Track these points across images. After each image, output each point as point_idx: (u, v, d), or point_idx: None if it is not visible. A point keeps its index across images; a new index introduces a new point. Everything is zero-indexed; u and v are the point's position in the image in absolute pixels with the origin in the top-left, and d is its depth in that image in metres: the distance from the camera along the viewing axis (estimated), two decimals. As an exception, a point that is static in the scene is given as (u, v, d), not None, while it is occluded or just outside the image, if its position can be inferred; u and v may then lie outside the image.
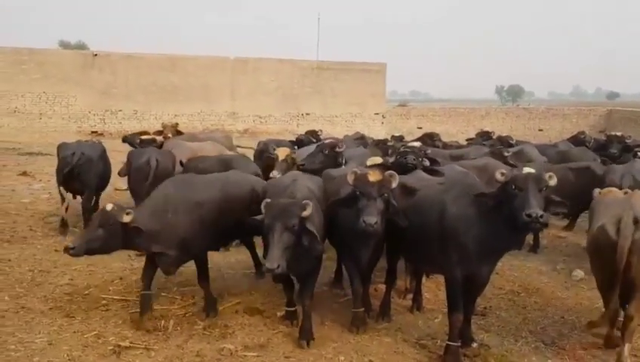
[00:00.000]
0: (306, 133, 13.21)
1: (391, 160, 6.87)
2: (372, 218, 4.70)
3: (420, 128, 26.39)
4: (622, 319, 4.95)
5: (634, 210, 4.74)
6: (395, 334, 5.56)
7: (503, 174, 4.66)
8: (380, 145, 10.41)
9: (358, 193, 4.95)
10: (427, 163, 6.77)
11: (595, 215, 5.36)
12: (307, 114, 26.34)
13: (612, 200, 5.33)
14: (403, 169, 6.29)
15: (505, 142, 11.50)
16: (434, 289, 6.91)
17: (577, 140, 11.88)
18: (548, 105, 43.03)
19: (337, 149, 8.03)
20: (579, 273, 7.40)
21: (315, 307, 6.13)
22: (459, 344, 4.93)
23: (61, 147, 9.27)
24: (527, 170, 4.64)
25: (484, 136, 12.61)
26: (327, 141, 8.48)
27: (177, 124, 14.00)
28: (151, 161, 8.70)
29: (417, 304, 6.26)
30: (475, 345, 5.20)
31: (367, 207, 4.83)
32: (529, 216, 4.26)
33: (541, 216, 4.27)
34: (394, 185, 5.06)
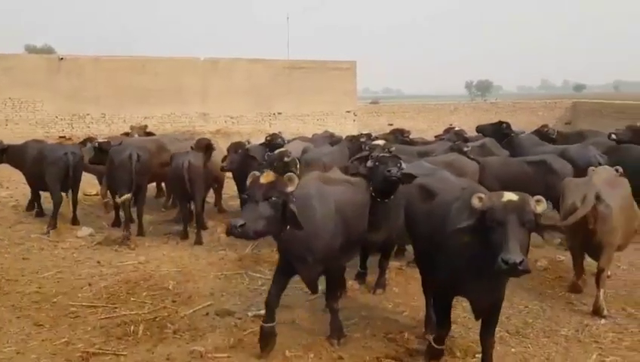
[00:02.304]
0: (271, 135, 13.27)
1: (368, 165, 6.50)
2: (238, 220, 4.31)
3: (391, 125, 26.56)
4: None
5: (595, 188, 5.93)
6: (364, 329, 5.65)
7: (480, 200, 3.96)
8: (354, 142, 10.45)
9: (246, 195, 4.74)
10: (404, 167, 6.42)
11: (566, 194, 6.45)
12: (279, 113, 26.29)
13: (579, 180, 6.56)
14: (381, 179, 6.17)
15: (461, 136, 11.75)
16: (403, 283, 7.04)
17: (541, 133, 12.13)
18: (516, 98, 43.75)
19: (285, 159, 8.01)
20: (543, 262, 7.58)
21: (285, 304, 6.22)
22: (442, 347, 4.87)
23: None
24: (507, 196, 3.87)
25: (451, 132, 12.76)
26: (275, 152, 8.49)
27: (146, 125, 13.99)
28: (132, 156, 8.96)
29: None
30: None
31: (243, 210, 4.71)
32: (506, 262, 3.60)
33: (521, 263, 3.58)
34: (289, 188, 4.59)
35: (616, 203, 5.99)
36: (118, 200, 9.11)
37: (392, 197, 6.28)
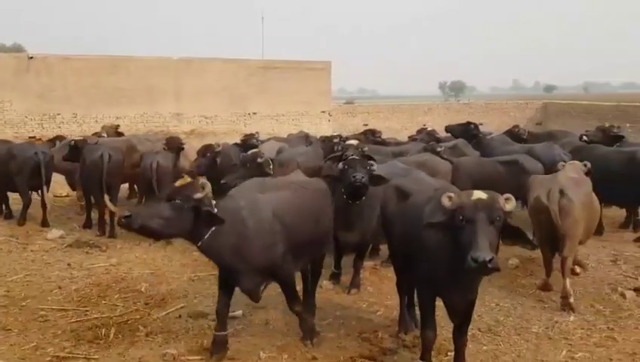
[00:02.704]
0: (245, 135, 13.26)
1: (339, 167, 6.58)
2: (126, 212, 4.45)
3: (366, 125, 26.68)
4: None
5: (559, 183, 6.39)
6: (338, 329, 5.67)
7: (450, 199, 3.97)
8: (327, 143, 10.47)
9: None
10: (375, 168, 6.49)
11: (532, 189, 6.84)
12: (254, 113, 26.18)
13: (544, 177, 7.03)
14: (347, 183, 6.25)
15: (432, 136, 11.90)
16: (377, 282, 7.08)
17: (512, 133, 12.33)
18: (488, 99, 44.35)
19: (259, 160, 7.90)
20: (514, 261, 7.71)
21: (261, 306, 6.20)
22: None
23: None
24: (477, 195, 3.90)
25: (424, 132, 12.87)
26: (248, 153, 8.34)
27: (118, 125, 13.84)
28: (104, 156, 8.89)
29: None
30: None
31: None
32: (475, 260, 3.59)
33: (490, 261, 3.58)
34: (198, 195, 4.51)
35: (579, 198, 6.41)
36: (112, 208, 8.93)
37: (364, 198, 6.34)
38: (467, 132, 11.79)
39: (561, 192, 6.30)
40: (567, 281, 6.26)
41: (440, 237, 4.07)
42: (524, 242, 4.12)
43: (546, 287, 6.72)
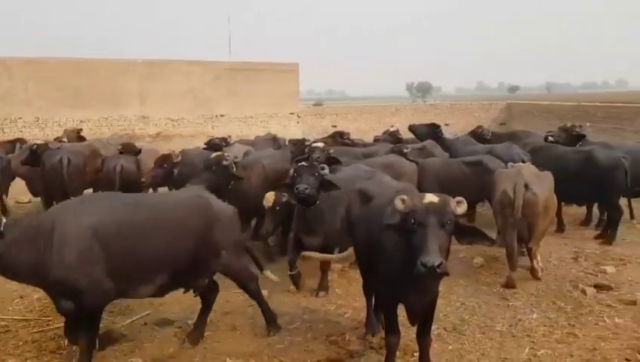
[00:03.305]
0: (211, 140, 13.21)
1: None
2: None
3: (335, 126, 26.78)
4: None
5: (524, 178, 6.77)
6: (306, 333, 5.67)
7: (403, 202, 3.97)
8: (298, 146, 10.42)
9: None
10: (325, 173, 6.52)
11: (497, 184, 7.11)
12: (222, 115, 26.00)
13: (508, 171, 7.25)
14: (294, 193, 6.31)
15: (395, 137, 12.04)
16: (345, 284, 7.10)
17: (476, 134, 12.54)
18: (454, 100, 45.00)
19: (224, 163, 7.85)
20: (479, 260, 7.84)
21: (228, 311, 6.17)
22: None
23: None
24: (429, 198, 3.90)
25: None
26: (212, 156, 8.22)
27: (81, 129, 13.58)
28: (63, 160, 8.71)
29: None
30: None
31: None
32: (424, 265, 3.61)
33: (439, 266, 3.60)
34: None
35: (543, 192, 6.86)
36: None
37: (321, 202, 6.42)
38: (430, 133, 11.94)
39: (526, 186, 6.69)
40: (535, 263, 7.07)
41: (396, 239, 4.09)
42: (482, 239, 4.17)
43: (510, 284, 6.86)
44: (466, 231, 4.09)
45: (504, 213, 6.85)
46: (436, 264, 3.58)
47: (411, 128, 12.59)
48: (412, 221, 3.83)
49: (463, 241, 4.14)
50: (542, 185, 6.96)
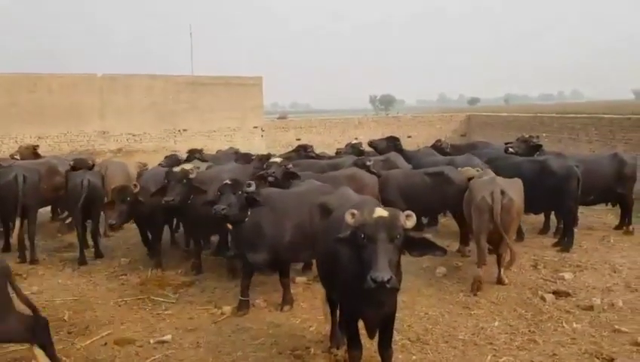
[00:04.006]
0: (189, 151, 13.23)
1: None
2: None
3: (299, 140, 26.81)
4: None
5: (499, 185, 7.25)
6: (271, 348, 5.62)
7: (352, 216, 3.99)
8: (263, 161, 10.30)
9: None
10: (252, 188, 6.48)
11: (475, 191, 7.52)
12: (184, 130, 25.73)
13: (484, 180, 7.74)
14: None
15: (357, 149, 12.20)
16: (310, 297, 7.08)
17: (436, 147, 12.79)
18: (416, 112, 45.68)
19: (190, 176, 7.85)
20: (442, 269, 7.94)
21: (192, 328, 6.08)
22: None
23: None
24: (378, 212, 3.91)
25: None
26: (176, 169, 8.21)
27: (37, 145, 13.23)
28: (18, 178, 8.49)
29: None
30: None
31: None
32: (374, 280, 3.59)
33: (389, 281, 3.58)
34: None
35: (517, 198, 7.36)
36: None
37: (250, 219, 6.40)
38: (390, 146, 12.16)
39: (502, 193, 7.16)
40: (502, 270, 7.42)
41: (350, 252, 4.07)
42: (433, 250, 4.16)
43: (478, 285, 7.16)
44: (416, 244, 4.09)
45: (482, 218, 7.21)
46: (385, 279, 3.57)
47: (371, 144, 12.77)
48: (362, 235, 3.83)
49: (414, 254, 4.12)
50: (515, 191, 7.43)
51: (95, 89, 23.92)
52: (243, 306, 6.63)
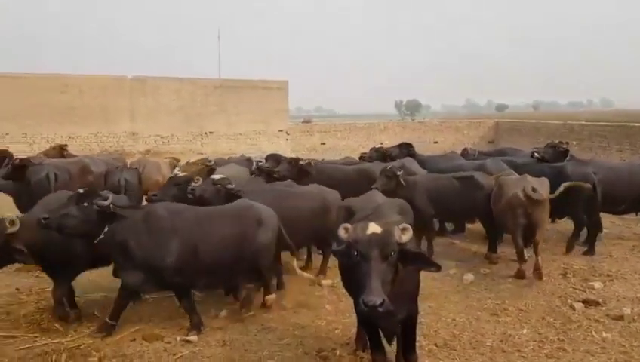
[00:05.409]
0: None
1: None
2: None
3: (324, 144, 26.96)
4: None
5: (530, 182, 7.75)
6: (297, 348, 5.64)
7: (346, 231, 3.89)
8: (292, 164, 10.23)
9: None
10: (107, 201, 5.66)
11: (505, 188, 7.97)
12: (211, 133, 26.08)
13: (513, 178, 8.28)
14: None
15: (381, 153, 12.33)
16: (335, 301, 7.08)
17: (464, 155, 12.71)
18: (442, 117, 45.43)
19: (191, 186, 7.44)
20: (469, 276, 7.87)
21: (218, 327, 6.14)
22: None
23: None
24: (371, 228, 3.77)
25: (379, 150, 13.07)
26: (181, 175, 8.17)
27: (66, 145, 13.49)
28: (50, 176, 8.76)
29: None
30: None
31: None
32: (365, 304, 3.48)
33: (381, 304, 3.46)
34: None
35: (546, 194, 7.76)
36: None
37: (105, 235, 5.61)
38: (403, 153, 12.31)
39: (534, 189, 7.59)
40: (539, 259, 7.73)
41: (350, 263, 3.93)
42: (428, 265, 4.03)
43: (521, 275, 7.72)
44: (411, 258, 3.91)
45: (515, 214, 7.68)
46: (377, 303, 3.45)
47: (385, 151, 12.75)
48: (355, 253, 3.72)
49: (410, 268, 3.98)
50: (543, 188, 7.86)
51: (125, 91, 24.40)
52: (104, 329, 5.91)
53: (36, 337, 5.88)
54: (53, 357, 5.35)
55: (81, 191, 5.72)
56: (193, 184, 7.38)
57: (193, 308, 6.06)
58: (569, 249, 9.10)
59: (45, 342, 5.70)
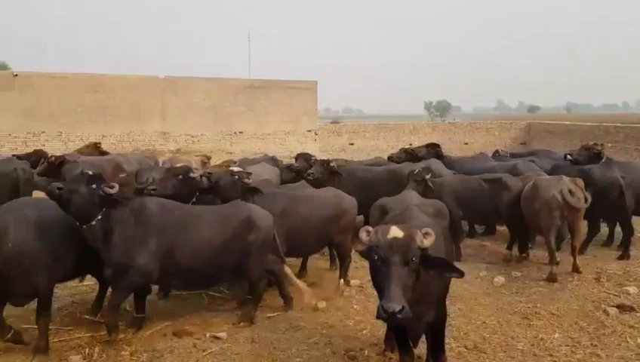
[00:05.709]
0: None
1: None
2: None
3: (352, 144, 26.93)
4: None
5: (567, 185, 7.79)
6: (325, 348, 5.65)
7: (367, 234, 3.83)
8: (324, 165, 10.18)
9: None
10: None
11: (541, 189, 7.93)
12: (240, 132, 26.27)
13: (549, 178, 8.38)
14: None
15: (409, 154, 12.27)
16: (364, 301, 7.07)
17: (495, 157, 12.58)
18: (472, 119, 44.92)
19: (191, 175, 7.34)
20: (500, 279, 7.76)
21: (246, 324, 6.18)
22: None
23: None
24: (393, 233, 3.69)
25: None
26: (179, 165, 8.00)
27: (99, 143, 13.73)
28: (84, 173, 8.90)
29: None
30: None
31: None
32: (385, 311, 3.44)
33: (400, 311, 3.41)
34: None
35: (582, 197, 7.83)
36: None
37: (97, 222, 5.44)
38: (430, 153, 12.23)
39: (571, 193, 7.73)
40: (577, 260, 8.00)
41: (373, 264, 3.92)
42: (450, 271, 3.98)
43: (553, 278, 7.68)
44: (433, 264, 3.83)
45: (552, 215, 7.75)
46: (396, 310, 3.41)
47: (412, 152, 12.69)
48: (375, 257, 3.68)
49: (431, 273, 3.90)
50: (579, 189, 7.95)
51: (157, 91, 24.75)
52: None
53: (70, 330, 6.02)
54: (87, 350, 5.46)
55: (90, 172, 5.58)
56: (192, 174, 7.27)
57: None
58: (581, 251, 8.78)
59: (79, 334, 5.83)
